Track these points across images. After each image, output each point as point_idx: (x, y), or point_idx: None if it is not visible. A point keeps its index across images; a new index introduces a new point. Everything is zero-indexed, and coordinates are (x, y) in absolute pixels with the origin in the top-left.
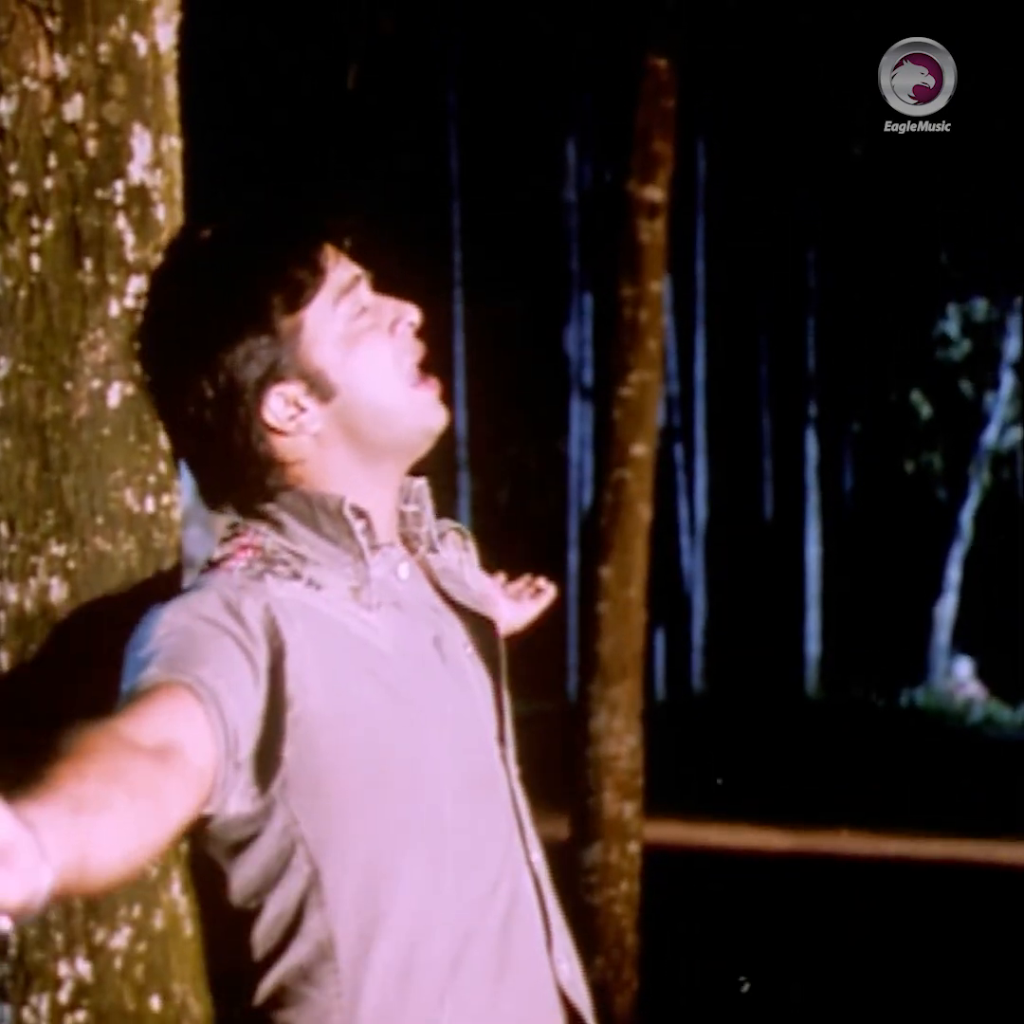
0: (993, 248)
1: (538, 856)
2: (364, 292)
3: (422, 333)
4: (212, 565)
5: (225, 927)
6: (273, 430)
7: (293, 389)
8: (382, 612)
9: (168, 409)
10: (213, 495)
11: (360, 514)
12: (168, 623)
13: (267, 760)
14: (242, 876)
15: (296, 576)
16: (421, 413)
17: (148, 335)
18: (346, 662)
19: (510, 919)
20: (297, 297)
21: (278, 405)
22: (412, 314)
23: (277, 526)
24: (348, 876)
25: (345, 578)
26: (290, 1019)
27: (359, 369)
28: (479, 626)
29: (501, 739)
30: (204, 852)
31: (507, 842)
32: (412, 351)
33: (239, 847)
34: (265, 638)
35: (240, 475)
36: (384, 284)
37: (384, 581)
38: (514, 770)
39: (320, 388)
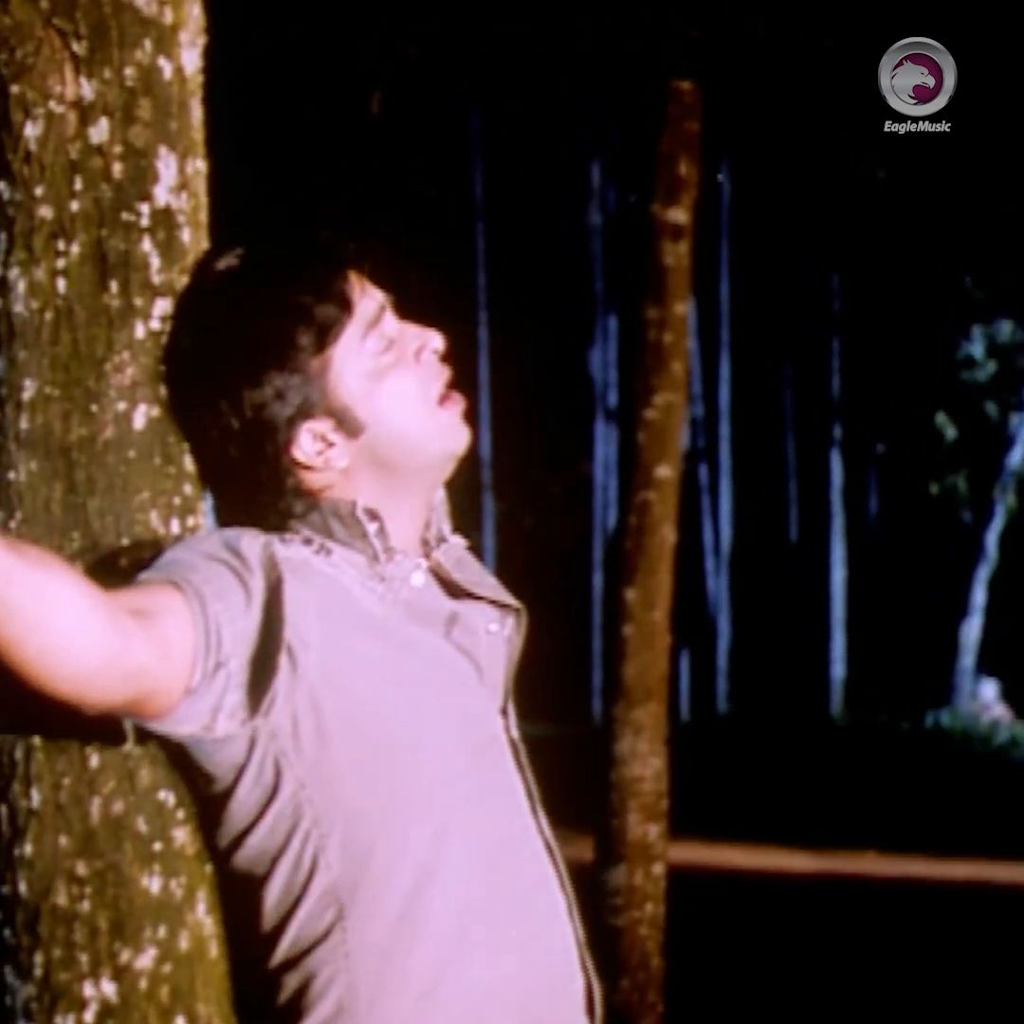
0: (1018, 269)
1: (547, 825)
2: (388, 322)
3: (446, 356)
4: None
5: (236, 901)
6: (301, 466)
7: (322, 426)
8: (392, 585)
9: (194, 441)
10: (235, 522)
11: (373, 516)
12: (168, 556)
13: (259, 681)
14: (253, 844)
15: (307, 542)
16: (444, 435)
17: (174, 370)
18: (347, 623)
19: (522, 882)
20: (325, 336)
21: (307, 441)
22: (435, 340)
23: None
24: (354, 838)
25: (359, 558)
26: (300, 982)
27: (385, 403)
28: (502, 611)
29: (504, 712)
30: (213, 829)
31: (514, 809)
32: (437, 376)
33: (253, 818)
34: (262, 570)
35: (265, 506)
36: (408, 307)
37: (398, 580)
38: (518, 740)
39: (348, 424)
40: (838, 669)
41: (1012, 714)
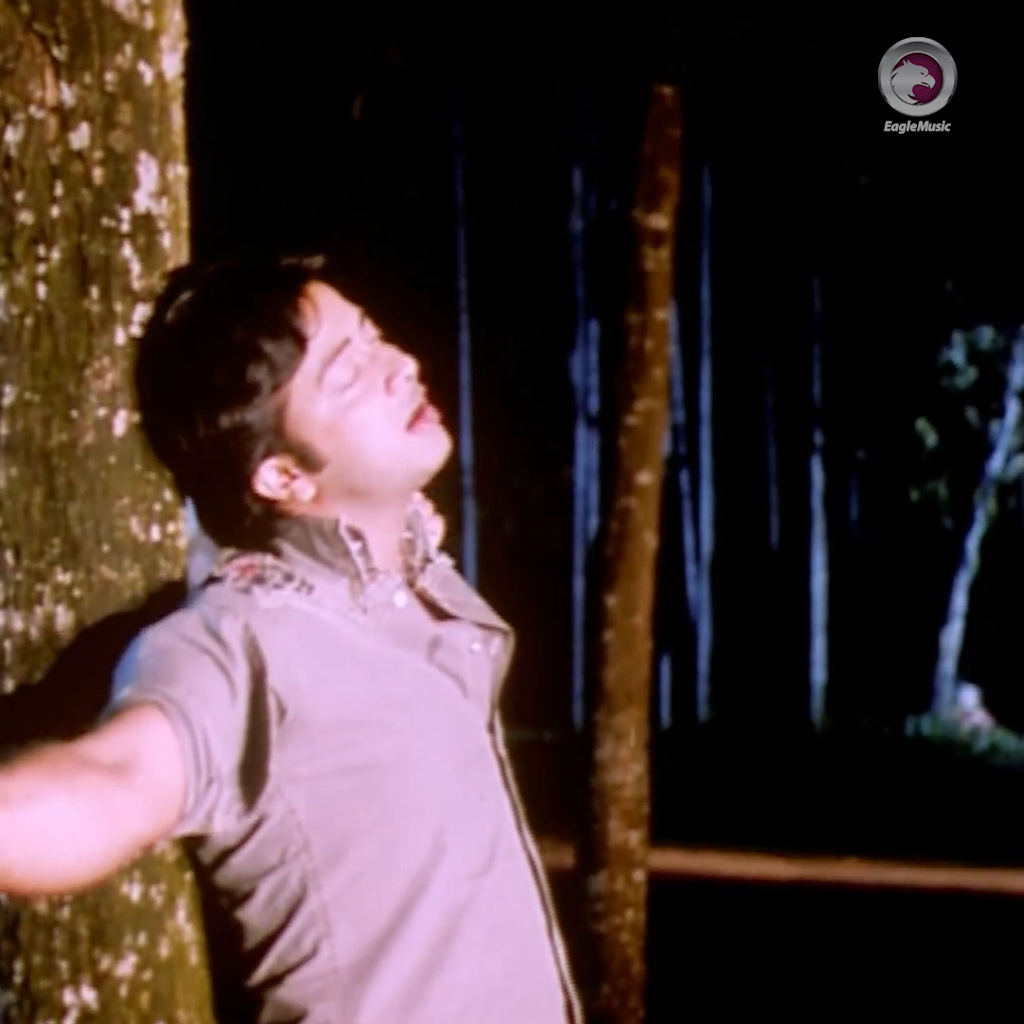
0: (999, 276)
1: (531, 841)
2: (356, 348)
3: (425, 368)
4: (210, 580)
5: (219, 915)
6: (266, 499)
7: (283, 461)
8: (375, 614)
9: (166, 465)
10: (215, 535)
11: (356, 535)
12: (150, 643)
13: (251, 777)
14: (238, 864)
15: (288, 578)
16: (414, 457)
17: (139, 400)
18: (333, 655)
19: (505, 897)
20: (278, 374)
21: (270, 476)
22: (407, 367)
23: (275, 553)
24: (344, 855)
25: (341, 587)
26: (285, 996)
27: (351, 438)
28: (487, 631)
29: (490, 728)
30: (195, 845)
31: (499, 822)
32: (407, 403)
33: (238, 840)
34: (245, 656)
35: (236, 524)
36: (390, 313)
37: (380, 607)
38: (504, 756)
39: (310, 460)
40: (819, 675)
41: (992, 721)
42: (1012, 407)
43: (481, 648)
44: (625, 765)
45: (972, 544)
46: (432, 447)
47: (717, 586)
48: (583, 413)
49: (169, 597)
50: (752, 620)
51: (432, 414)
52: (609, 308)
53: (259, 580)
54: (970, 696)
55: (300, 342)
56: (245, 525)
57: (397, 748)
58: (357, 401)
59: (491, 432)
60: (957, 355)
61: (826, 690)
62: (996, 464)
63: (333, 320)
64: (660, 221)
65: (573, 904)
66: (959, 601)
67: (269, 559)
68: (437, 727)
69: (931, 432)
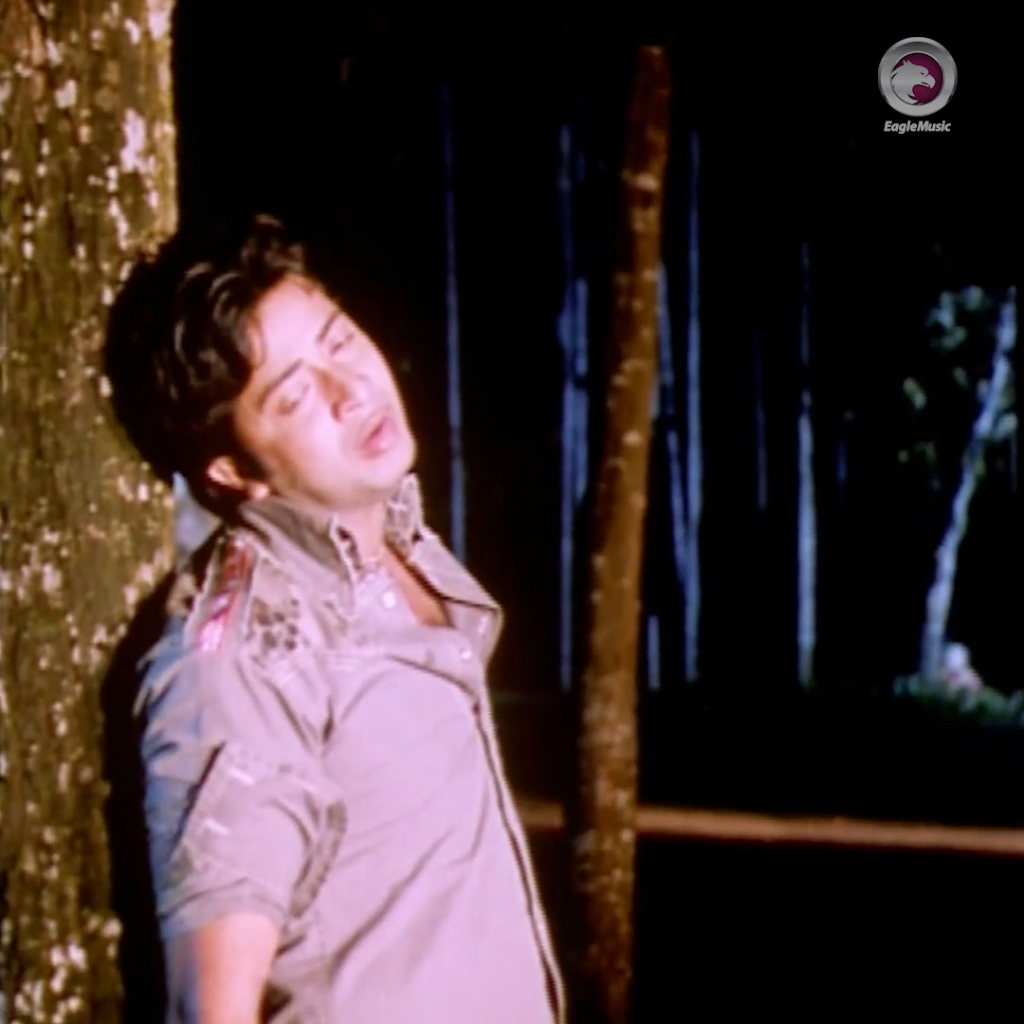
0: (986, 237)
1: (514, 818)
2: (308, 368)
3: (415, 324)
4: (200, 585)
5: None
6: (223, 485)
7: (234, 464)
8: (370, 646)
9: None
10: (196, 495)
11: (345, 535)
12: (251, 814)
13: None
14: None
15: (293, 632)
16: (362, 478)
17: (107, 378)
18: (341, 701)
19: (489, 879)
20: (219, 394)
21: (227, 470)
22: (360, 391)
23: (264, 538)
24: (340, 863)
25: (330, 609)
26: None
27: (295, 459)
28: (473, 614)
29: (476, 708)
30: None
31: (485, 805)
32: (357, 429)
33: None
34: (327, 817)
35: (208, 495)
36: (378, 277)
37: (370, 611)
38: (491, 734)
39: (257, 470)
40: (807, 636)
41: (979, 681)
42: (1000, 368)
43: (471, 656)
44: (613, 726)
45: (960, 505)
46: (380, 469)
47: (705, 548)
48: (571, 374)
49: (156, 558)
50: (740, 582)
51: (387, 432)
52: (597, 269)
53: (269, 642)
54: (957, 657)
55: (244, 365)
56: (216, 499)
57: (395, 759)
58: (302, 425)
59: (479, 394)
60: (945, 316)
61: (814, 651)
62: (984, 425)
63: (284, 340)
64: (649, 182)
65: (561, 865)
66: (947, 562)
67: (261, 552)
68: (433, 730)
69: (919, 393)
